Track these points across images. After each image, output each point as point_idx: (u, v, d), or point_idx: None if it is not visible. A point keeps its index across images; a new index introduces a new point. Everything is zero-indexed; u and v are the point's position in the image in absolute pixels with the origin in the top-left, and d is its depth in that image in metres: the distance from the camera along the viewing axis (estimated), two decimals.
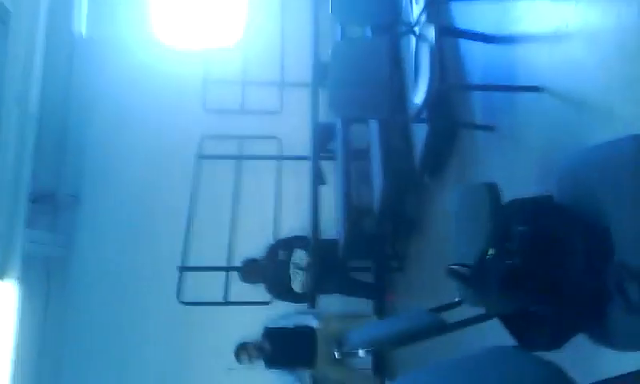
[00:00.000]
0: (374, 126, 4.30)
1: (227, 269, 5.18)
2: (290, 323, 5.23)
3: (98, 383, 5.34)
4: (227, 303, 5.09)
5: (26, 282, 4.83)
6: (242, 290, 5.27)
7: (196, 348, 5.39)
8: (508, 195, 1.81)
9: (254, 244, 5.41)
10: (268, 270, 5.26)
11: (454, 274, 1.39)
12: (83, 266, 5.46)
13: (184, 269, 5.16)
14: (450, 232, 2.15)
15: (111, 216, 5.51)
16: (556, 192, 1.39)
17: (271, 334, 5.18)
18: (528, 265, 1.18)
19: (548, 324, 1.21)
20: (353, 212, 4.43)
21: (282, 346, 5.14)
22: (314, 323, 5.16)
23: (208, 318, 5.38)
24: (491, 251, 1.27)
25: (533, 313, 1.24)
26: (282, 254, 5.26)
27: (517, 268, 1.18)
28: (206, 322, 5.39)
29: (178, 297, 5.10)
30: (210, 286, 5.28)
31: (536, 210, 1.28)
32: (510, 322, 1.33)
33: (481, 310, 2.04)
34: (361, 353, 1.98)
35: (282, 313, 5.32)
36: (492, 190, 1.84)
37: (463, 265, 1.38)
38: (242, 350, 5.11)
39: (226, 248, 5.19)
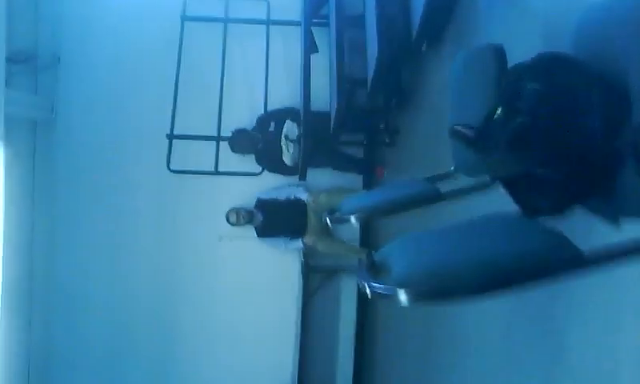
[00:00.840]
0: None
1: (217, 138, 5.08)
2: (281, 195, 5.28)
3: (90, 247, 5.42)
4: (217, 173, 5.05)
5: (11, 145, 4.76)
6: (231, 160, 5.22)
7: (187, 218, 5.44)
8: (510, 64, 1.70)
9: (243, 114, 5.30)
10: (258, 142, 5.20)
11: (457, 135, 1.30)
12: (69, 130, 5.35)
13: (173, 137, 5.06)
14: (447, 103, 2.06)
15: (95, 78, 5.31)
16: (569, 50, 1.29)
17: (263, 204, 5.24)
18: (539, 123, 1.10)
19: (554, 187, 1.16)
20: (345, 83, 4.28)
21: (274, 217, 5.22)
22: (304, 196, 5.19)
23: (198, 189, 5.39)
24: (499, 111, 1.19)
25: (539, 176, 1.18)
26: (272, 126, 5.17)
27: (527, 126, 1.10)
28: (197, 192, 5.41)
29: (167, 165, 5.04)
30: (200, 156, 5.22)
31: (550, 65, 1.18)
32: (512, 187, 1.27)
33: (477, 180, 2.02)
34: (352, 220, 1.94)
35: (273, 185, 5.33)
36: (498, 51, 1.73)
37: (467, 126, 1.29)
38: (232, 212, 5.21)
39: (216, 117, 5.05)
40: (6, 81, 4.75)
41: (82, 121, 5.35)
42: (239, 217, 5.21)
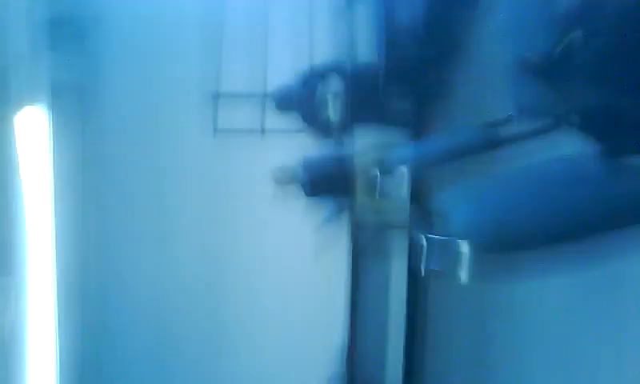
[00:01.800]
0: None
1: (262, 96, 4.96)
2: (329, 152, 5.14)
3: (139, 213, 5.44)
4: (264, 130, 4.94)
5: (58, 110, 4.77)
6: (277, 118, 5.10)
7: (235, 180, 5.38)
8: None
9: (287, 69, 5.14)
10: (304, 99, 5.05)
11: (526, 64, 1.13)
12: (115, 93, 5.33)
13: (218, 96, 4.96)
14: (505, 47, 1.86)
15: (137, 38, 5.24)
16: None
17: (310, 162, 5.11)
18: (627, 42, 0.92)
19: None
20: (393, 31, 4.07)
21: (321, 174, 5.09)
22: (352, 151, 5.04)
23: (245, 149, 5.30)
24: (576, 32, 1.01)
25: (623, 108, 1.00)
26: (317, 82, 5.01)
27: (613, 45, 0.92)
28: (244, 152, 5.32)
29: (215, 125, 4.95)
30: (244, 114, 5.12)
31: None
32: (591, 123, 1.10)
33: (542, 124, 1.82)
34: (403, 170, 1.79)
35: (320, 143, 5.19)
36: None
37: (537, 52, 1.12)
38: (278, 170, 5.08)
39: (260, 74, 4.92)
40: (50, 45, 4.75)
41: (128, 83, 5.32)
42: (287, 177, 5.09)
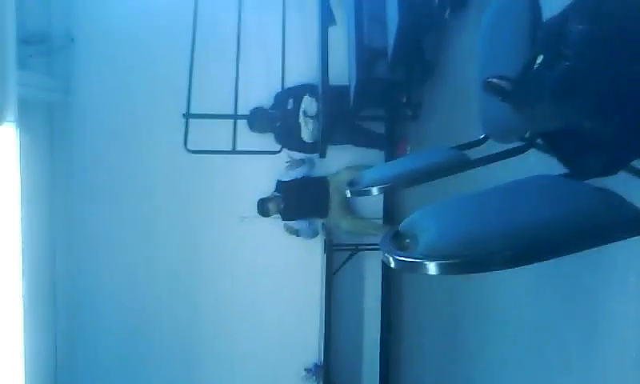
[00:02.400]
0: None
1: (234, 117, 4.96)
2: (299, 174, 5.16)
3: (108, 228, 5.38)
4: (235, 152, 4.93)
5: (28, 128, 4.70)
6: (249, 139, 5.12)
7: (207, 198, 5.36)
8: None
9: (260, 92, 5.17)
10: (277, 120, 5.07)
11: (492, 87, 1.15)
12: (85, 111, 5.28)
13: (190, 116, 4.95)
14: (474, 72, 1.91)
15: (109, 58, 5.22)
16: None
17: (284, 187, 5.13)
18: (589, 68, 0.95)
19: (606, 143, 1.01)
20: (365, 54, 4.12)
21: (296, 198, 5.11)
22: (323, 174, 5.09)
23: (216, 169, 5.29)
24: (540, 58, 1.04)
25: (588, 131, 1.03)
26: (290, 103, 5.04)
27: (575, 71, 0.95)
28: (215, 172, 5.32)
29: (185, 145, 4.95)
30: (217, 135, 5.11)
31: (599, 3, 1.02)
32: (556, 145, 1.12)
33: (510, 146, 1.86)
34: (374, 191, 1.80)
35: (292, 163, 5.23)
36: (533, 2, 1.57)
37: (503, 77, 1.14)
38: (269, 203, 5.09)
39: (232, 95, 4.92)
40: (20, 63, 4.69)
41: (98, 102, 5.28)
42: (278, 205, 5.09)
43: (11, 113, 3.88)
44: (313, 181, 5.19)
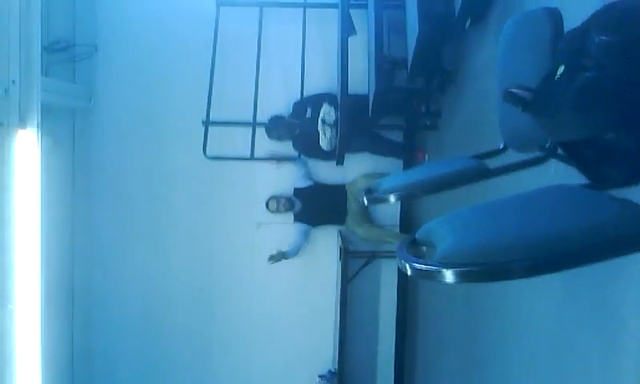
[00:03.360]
0: None
1: (253, 124, 5.00)
2: (318, 180, 5.19)
3: (128, 234, 5.44)
4: (254, 158, 4.97)
5: (50, 133, 4.79)
6: (268, 146, 5.15)
7: (224, 204, 5.39)
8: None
9: (279, 100, 5.20)
10: (295, 128, 5.10)
11: (512, 97, 1.15)
12: (107, 118, 5.37)
13: (209, 123, 5.01)
14: (493, 83, 1.90)
15: (131, 66, 5.31)
16: None
17: (301, 192, 5.16)
18: (611, 79, 0.94)
19: (628, 154, 1.00)
20: (384, 63, 4.13)
21: (313, 204, 5.14)
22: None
23: (235, 175, 5.33)
24: (561, 69, 1.03)
25: (609, 141, 1.02)
26: (309, 112, 5.06)
27: (597, 82, 0.94)
28: (234, 178, 5.35)
29: (204, 151, 5.00)
30: (236, 142, 5.17)
31: (621, 14, 1.01)
32: (577, 156, 1.12)
33: (530, 156, 1.85)
34: (391, 199, 1.80)
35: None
36: (554, 12, 1.56)
37: (524, 87, 1.14)
38: (272, 200, 5.19)
39: (251, 103, 4.98)
40: (44, 70, 4.79)
41: (119, 108, 5.36)
42: (279, 205, 5.16)
43: (34, 118, 3.96)
44: (330, 188, 5.21)
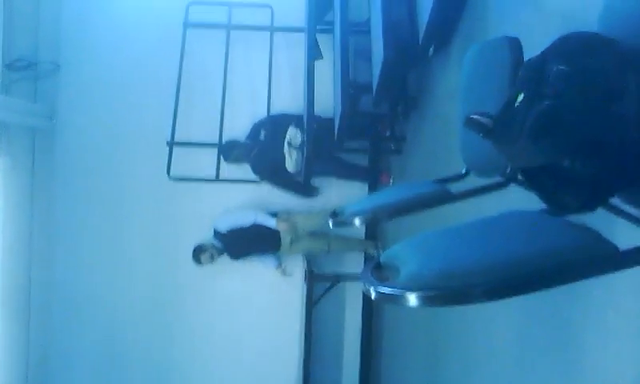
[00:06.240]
0: None
1: (218, 146, 4.98)
2: (241, 222, 5.02)
3: (89, 255, 5.32)
4: (218, 180, 4.94)
5: (9, 153, 4.68)
6: (233, 168, 5.12)
7: (188, 225, 5.31)
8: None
9: (245, 122, 5.19)
10: (251, 150, 5.05)
11: (473, 123, 1.18)
12: (69, 137, 5.27)
13: (173, 143, 4.97)
14: (456, 108, 1.95)
15: (94, 85, 5.23)
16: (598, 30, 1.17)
17: (224, 237, 5.01)
18: (568, 107, 0.97)
19: (584, 181, 1.03)
20: (349, 88, 4.17)
21: (240, 244, 5.01)
22: (270, 222, 4.96)
23: (199, 196, 5.27)
24: (520, 97, 1.06)
25: (566, 168, 1.05)
26: (263, 134, 5.04)
27: (554, 110, 0.97)
28: (198, 200, 5.30)
29: (168, 172, 4.95)
30: (201, 163, 5.13)
31: (578, 45, 1.05)
32: (536, 182, 1.15)
33: (490, 181, 1.89)
34: (357, 221, 1.81)
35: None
36: (514, 41, 1.62)
37: (484, 114, 1.17)
38: (203, 253, 5.00)
39: (217, 125, 4.96)
40: (5, 88, 4.70)
41: (81, 128, 5.27)
42: (212, 254, 5.00)
43: None
44: (258, 227, 5.00)
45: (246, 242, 5.00)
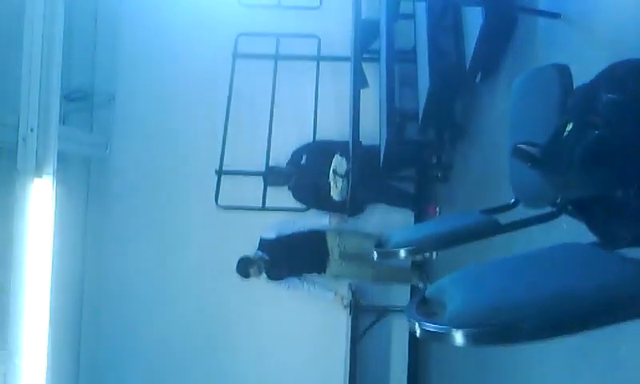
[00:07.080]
0: (421, 21, 3.96)
1: (265, 174, 5.04)
2: (296, 227, 5.01)
3: (137, 282, 5.41)
4: (264, 208, 4.98)
5: (65, 181, 4.85)
6: (280, 196, 5.15)
7: (234, 253, 5.35)
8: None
9: (292, 150, 5.23)
10: (291, 176, 5.08)
11: (521, 153, 1.15)
12: (122, 166, 5.43)
13: (222, 172, 5.06)
14: (504, 136, 1.91)
15: (147, 116, 5.40)
16: None
17: (269, 244, 4.96)
18: (619, 136, 0.94)
19: (637, 212, 0.99)
20: (396, 116, 4.16)
21: (285, 255, 4.95)
22: (323, 222, 4.96)
23: (246, 224, 5.30)
24: (570, 126, 1.03)
25: (618, 199, 1.01)
26: (304, 159, 5.08)
27: (605, 139, 0.94)
28: (245, 226, 5.32)
29: (216, 200, 5.03)
30: (249, 190, 5.19)
31: (628, 73, 1.02)
32: (586, 213, 1.10)
33: (540, 212, 1.84)
34: (402, 253, 1.79)
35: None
36: (563, 69, 1.58)
37: (532, 143, 1.14)
38: (251, 265, 4.87)
39: (264, 153, 5.03)
40: (62, 118, 4.89)
41: (134, 157, 5.43)
42: (259, 267, 4.88)
43: (50, 166, 4.02)
44: (305, 234, 4.97)
45: (292, 251, 4.93)
